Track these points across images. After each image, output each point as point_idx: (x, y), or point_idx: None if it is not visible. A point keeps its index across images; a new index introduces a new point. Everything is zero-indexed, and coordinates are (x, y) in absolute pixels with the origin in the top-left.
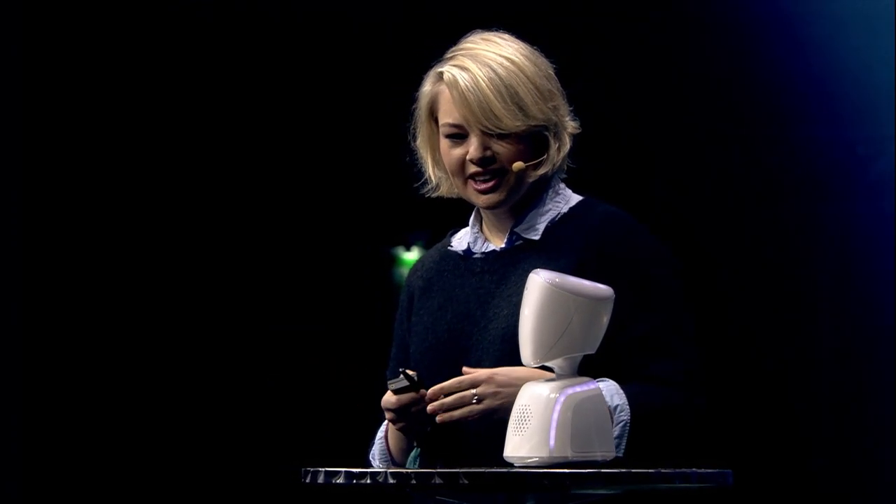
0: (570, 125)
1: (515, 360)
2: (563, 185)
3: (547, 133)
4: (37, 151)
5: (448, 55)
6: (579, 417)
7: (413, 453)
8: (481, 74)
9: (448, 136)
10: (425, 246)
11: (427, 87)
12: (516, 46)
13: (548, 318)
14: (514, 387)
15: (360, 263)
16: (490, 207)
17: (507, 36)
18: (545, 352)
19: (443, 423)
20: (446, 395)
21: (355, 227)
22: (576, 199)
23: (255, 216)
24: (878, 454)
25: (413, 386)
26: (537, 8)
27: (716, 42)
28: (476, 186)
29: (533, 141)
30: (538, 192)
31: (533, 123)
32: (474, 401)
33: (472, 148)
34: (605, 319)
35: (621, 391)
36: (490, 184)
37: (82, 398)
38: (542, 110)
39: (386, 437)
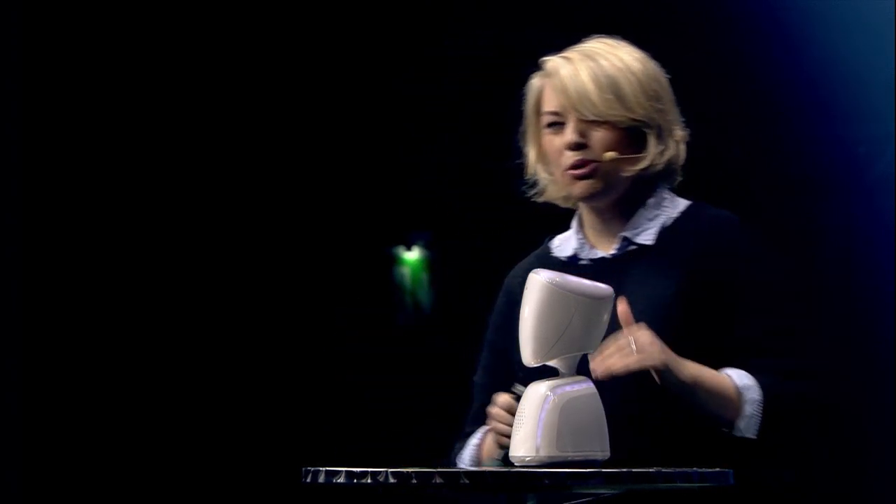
0: (679, 133)
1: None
2: (669, 192)
3: (647, 131)
4: (37, 152)
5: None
6: (567, 416)
7: (498, 457)
8: (583, 65)
9: (548, 126)
10: (426, 246)
11: (534, 81)
12: (629, 49)
13: (548, 317)
14: (670, 353)
15: (360, 263)
16: (586, 197)
17: (624, 42)
18: (545, 351)
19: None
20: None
21: (355, 227)
22: (684, 203)
23: (254, 216)
24: (879, 455)
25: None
26: (534, 8)
27: (715, 42)
28: (572, 174)
29: (632, 136)
30: (644, 197)
31: (631, 115)
32: (631, 344)
33: (568, 133)
34: (606, 318)
35: (750, 376)
36: (584, 170)
37: (81, 398)
38: (642, 105)
39: (481, 443)
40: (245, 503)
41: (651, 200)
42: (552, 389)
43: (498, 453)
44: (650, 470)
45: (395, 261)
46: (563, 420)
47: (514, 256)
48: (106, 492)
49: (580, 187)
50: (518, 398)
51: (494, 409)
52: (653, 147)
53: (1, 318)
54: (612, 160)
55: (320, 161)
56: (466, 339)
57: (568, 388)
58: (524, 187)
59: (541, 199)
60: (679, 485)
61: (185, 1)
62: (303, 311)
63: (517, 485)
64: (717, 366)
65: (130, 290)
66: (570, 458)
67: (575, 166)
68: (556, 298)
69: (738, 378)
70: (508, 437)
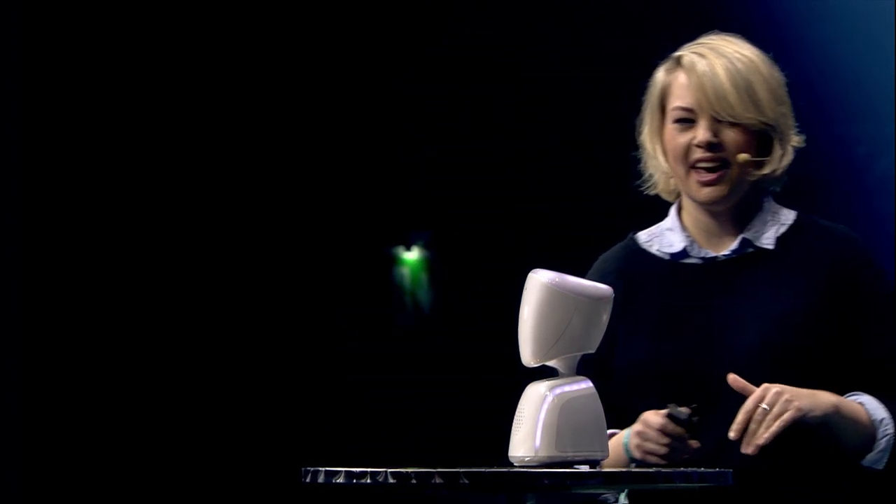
0: (795, 138)
1: (777, 377)
2: (774, 198)
3: (774, 135)
4: (37, 152)
5: (685, 46)
6: (566, 417)
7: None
8: (719, 63)
9: (677, 121)
10: (425, 246)
11: (661, 74)
12: (755, 50)
13: (548, 317)
14: (801, 395)
15: (361, 263)
16: (709, 203)
17: (745, 41)
18: (545, 351)
19: (750, 452)
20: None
21: (355, 227)
22: (793, 211)
23: (254, 216)
24: None
25: (685, 424)
26: (535, 9)
27: None
28: (699, 178)
29: (759, 139)
30: (757, 200)
31: (763, 119)
32: (764, 408)
33: (701, 131)
34: (605, 318)
35: (883, 405)
36: (713, 175)
37: (81, 398)
38: (773, 109)
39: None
40: (245, 503)
41: (766, 205)
42: (551, 389)
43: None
44: (649, 470)
45: (395, 261)
46: (563, 420)
47: (514, 256)
48: (106, 492)
49: (706, 192)
50: (673, 419)
51: (646, 429)
52: (777, 151)
53: (1, 318)
54: (744, 162)
55: (320, 161)
56: (466, 339)
57: (567, 388)
58: (637, 181)
59: (652, 192)
60: (679, 484)
61: (184, 1)
62: (303, 311)
63: (517, 485)
64: (841, 380)
65: (130, 291)
66: (569, 459)
67: (704, 169)
68: (556, 299)
69: (873, 410)
70: (658, 456)
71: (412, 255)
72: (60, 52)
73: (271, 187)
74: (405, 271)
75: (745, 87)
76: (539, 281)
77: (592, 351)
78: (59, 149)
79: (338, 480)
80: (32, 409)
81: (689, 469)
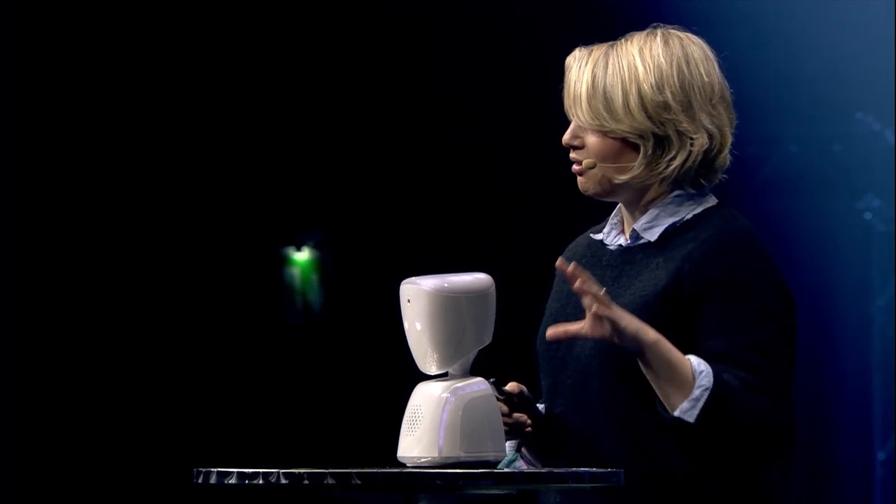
0: (699, 141)
1: (612, 360)
2: (698, 193)
3: (640, 143)
4: (37, 152)
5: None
6: (469, 417)
7: (508, 457)
8: (590, 67)
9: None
10: (316, 246)
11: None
12: (665, 50)
13: (443, 323)
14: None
15: (251, 263)
16: (584, 193)
17: (679, 34)
18: (449, 357)
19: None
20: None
21: (246, 227)
22: (704, 206)
23: (144, 214)
24: (862, 449)
25: (499, 398)
26: (533, 9)
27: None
28: (573, 170)
29: (627, 145)
30: (664, 195)
31: (619, 127)
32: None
33: (567, 131)
34: (494, 305)
35: (707, 364)
36: (577, 169)
37: (80, 398)
38: (635, 118)
39: None
40: (244, 502)
41: (667, 200)
42: (449, 390)
43: (511, 447)
44: (542, 470)
45: (286, 261)
46: (466, 421)
47: (404, 257)
48: (106, 491)
49: (579, 183)
50: (498, 394)
51: None
52: (644, 158)
53: (1, 318)
54: (597, 167)
55: (211, 160)
56: (356, 339)
57: (466, 390)
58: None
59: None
60: (571, 485)
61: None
62: (190, 309)
63: (410, 485)
64: None
65: (128, 291)
66: (469, 459)
67: (572, 162)
68: (448, 303)
69: (696, 363)
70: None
71: (302, 256)
72: (60, 52)
73: (161, 187)
74: (296, 271)
75: (602, 95)
76: (423, 290)
77: (489, 342)
78: (59, 149)
79: (230, 481)
80: (32, 409)
81: (582, 469)
